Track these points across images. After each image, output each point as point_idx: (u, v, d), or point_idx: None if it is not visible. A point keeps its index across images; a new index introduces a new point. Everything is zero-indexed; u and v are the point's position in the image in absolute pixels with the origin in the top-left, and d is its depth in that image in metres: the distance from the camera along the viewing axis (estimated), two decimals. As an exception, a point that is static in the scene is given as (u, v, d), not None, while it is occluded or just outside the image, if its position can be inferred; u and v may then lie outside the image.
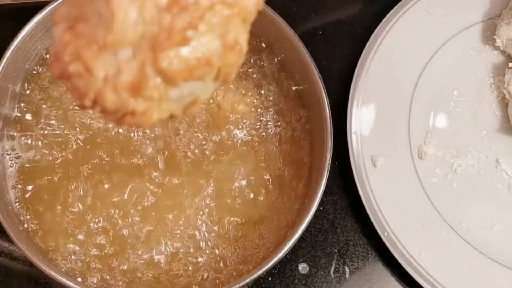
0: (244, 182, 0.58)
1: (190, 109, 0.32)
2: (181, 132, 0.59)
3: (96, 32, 0.29)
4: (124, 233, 0.56)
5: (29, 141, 0.58)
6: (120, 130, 0.58)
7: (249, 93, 0.61)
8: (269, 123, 0.60)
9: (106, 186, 0.57)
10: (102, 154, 0.58)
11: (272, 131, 0.60)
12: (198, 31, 0.29)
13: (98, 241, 0.56)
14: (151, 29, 0.29)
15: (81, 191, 0.57)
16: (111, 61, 0.29)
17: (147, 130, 0.58)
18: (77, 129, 0.59)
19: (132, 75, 0.29)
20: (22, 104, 0.59)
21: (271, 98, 0.61)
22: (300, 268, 0.61)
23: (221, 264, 0.56)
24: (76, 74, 0.30)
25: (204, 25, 0.29)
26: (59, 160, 0.58)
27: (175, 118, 0.32)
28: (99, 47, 0.29)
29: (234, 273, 0.55)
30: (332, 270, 0.62)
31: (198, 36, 0.29)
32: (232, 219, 0.57)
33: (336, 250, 0.62)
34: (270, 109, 0.61)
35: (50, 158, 0.58)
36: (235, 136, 0.59)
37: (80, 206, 0.57)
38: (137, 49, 0.29)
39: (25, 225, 0.56)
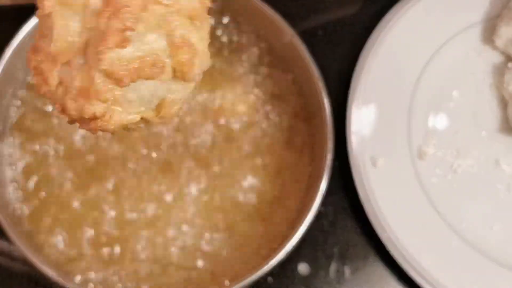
0: (243, 182, 0.58)
1: (163, 111, 0.33)
2: (181, 131, 0.59)
3: (49, 45, 0.31)
4: (124, 233, 0.56)
5: (29, 142, 0.58)
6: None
7: (249, 93, 0.61)
8: (269, 123, 0.60)
9: (108, 185, 0.57)
10: (103, 153, 0.58)
11: (272, 131, 0.60)
12: (138, 32, 0.30)
13: (100, 241, 0.56)
14: (94, 35, 0.30)
15: (83, 191, 0.57)
16: (66, 71, 0.31)
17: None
18: (77, 129, 0.59)
19: (81, 81, 0.30)
20: (22, 105, 0.59)
21: (271, 98, 0.61)
22: (300, 268, 0.61)
23: (221, 264, 0.56)
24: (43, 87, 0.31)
25: (143, 25, 0.30)
26: (60, 160, 0.58)
27: (151, 122, 0.33)
28: (52, 58, 0.31)
29: (234, 273, 0.55)
30: (332, 270, 0.62)
31: (140, 37, 0.30)
32: (231, 219, 0.57)
33: (336, 250, 0.62)
34: (270, 109, 0.61)
35: (51, 159, 0.58)
36: (235, 135, 0.59)
37: (82, 206, 0.57)
38: (87, 55, 0.30)
39: (25, 225, 0.56)
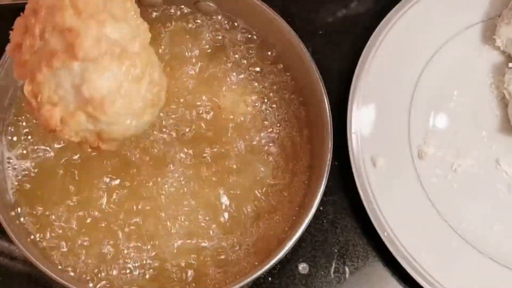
0: (244, 181, 0.58)
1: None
2: (182, 132, 0.59)
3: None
4: (123, 233, 0.56)
5: (30, 142, 0.58)
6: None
7: (249, 93, 0.61)
8: (269, 123, 0.60)
9: (108, 185, 0.57)
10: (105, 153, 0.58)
11: (272, 131, 0.60)
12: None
13: (99, 241, 0.56)
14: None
15: (82, 191, 0.57)
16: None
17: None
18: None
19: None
20: (23, 105, 0.59)
21: (271, 98, 0.61)
22: (300, 268, 0.61)
23: (221, 265, 0.56)
24: None
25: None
26: (59, 161, 0.58)
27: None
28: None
29: (234, 273, 0.55)
30: (332, 270, 0.62)
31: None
32: (231, 219, 0.57)
33: (336, 250, 0.62)
34: (270, 109, 0.61)
35: (50, 159, 0.58)
36: (234, 136, 0.59)
37: (81, 207, 0.57)
38: None
39: (25, 225, 0.56)
